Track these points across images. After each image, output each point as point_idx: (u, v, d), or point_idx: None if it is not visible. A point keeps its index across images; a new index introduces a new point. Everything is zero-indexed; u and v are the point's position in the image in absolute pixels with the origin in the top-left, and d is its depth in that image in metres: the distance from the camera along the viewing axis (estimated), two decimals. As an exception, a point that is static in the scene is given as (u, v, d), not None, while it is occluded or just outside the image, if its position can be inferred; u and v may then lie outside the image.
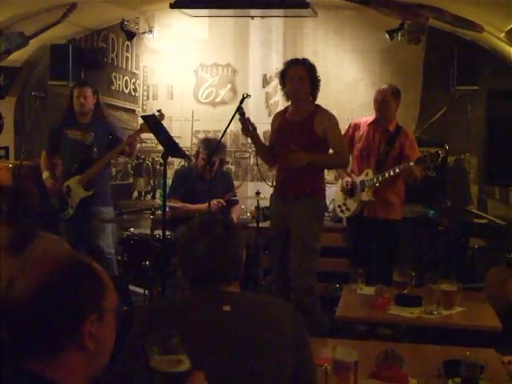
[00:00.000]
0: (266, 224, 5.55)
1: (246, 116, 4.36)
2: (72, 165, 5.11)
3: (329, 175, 6.26)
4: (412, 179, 4.78)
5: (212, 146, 5.11)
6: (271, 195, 4.64)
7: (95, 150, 5.10)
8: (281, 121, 4.51)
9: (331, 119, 4.37)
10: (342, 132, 5.02)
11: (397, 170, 4.67)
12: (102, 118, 5.27)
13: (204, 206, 5.07)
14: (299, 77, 4.31)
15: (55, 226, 5.07)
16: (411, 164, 4.59)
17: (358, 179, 4.90)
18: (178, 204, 5.28)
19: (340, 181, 5.11)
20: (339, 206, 5.09)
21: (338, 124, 4.40)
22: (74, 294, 1.35)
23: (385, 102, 4.86)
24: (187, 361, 1.54)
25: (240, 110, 4.33)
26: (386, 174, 4.71)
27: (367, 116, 5.14)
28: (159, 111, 4.77)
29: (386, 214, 4.84)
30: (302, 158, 4.25)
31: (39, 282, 1.34)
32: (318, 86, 4.39)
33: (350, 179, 4.95)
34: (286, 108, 4.54)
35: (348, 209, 4.99)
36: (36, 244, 3.01)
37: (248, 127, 4.35)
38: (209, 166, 4.82)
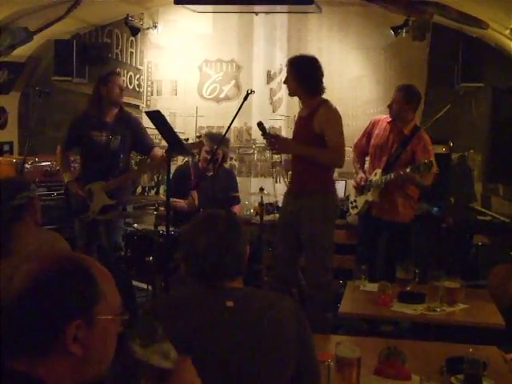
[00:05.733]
0: (269, 220, 5.56)
1: (267, 131, 4.50)
2: (95, 168, 4.93)
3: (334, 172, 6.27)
4: (415, 184, 4.71)
5: (217, 139, 5.12)
6: (285, 192, 4.73)
7: (121, 156, 4.93)
8: (296, 118, 4.66)
9: (330, 115, 4.34)
10: (363, 127, 5.14)
11: (392, 177, 4.66)
12: (127, 117, 5.08)
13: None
14: (286, 75, 4.46)
15: (71, 223, 5.06)
16: (407, 171, 4.56)
17: (369, 178, 4.91)
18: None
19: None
20: (351, 202, 5.15)
21: (337, 120, 4.36)
22: (58, 296, 1.30)
23: (395, 102, 4.81)
24: (173, 352, 1.45)
25: (260, 126, 4.44)
26: (388, 177, 4.69)
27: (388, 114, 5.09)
28: (199, 137, 4.56)
29: (392, 216, 4.80)
30: (287, 146, 4.48)
31: (27, 281, 1.30)
32: (310, 82, 4.35)
33: (363, 176, 4.95)
34: None
35: (356, 206, 5.02)
36: (28, 238, 2.99)
37: (273, 143, 4.43)
38: (213, 159, 4.82)
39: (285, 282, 4.42)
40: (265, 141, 4.59)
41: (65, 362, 1.31)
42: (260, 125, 4.44)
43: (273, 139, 4.45)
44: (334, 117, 4.35)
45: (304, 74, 4.33)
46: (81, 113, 5.14)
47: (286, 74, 4.49)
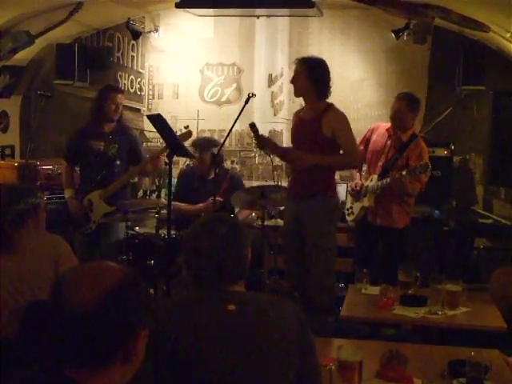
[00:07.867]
0: (271, 224, 5.54)
1: (260, 133, 4.48)
2: (93, 176, 4.97)
3: (335, 175, 6.27)
4: (404, 192, 4.73)
5: (201, 145, 5.27)
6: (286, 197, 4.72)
7: (118, 163, 5.00)
8: (295, 120, 4.62)
9: (340, 119, 4.35)
10: (364, 130, 5.13)
11: (387, 181, 4.66)
12: (125, 128, 5.21)
13: (198, 206, 5.25)
14: (294, 74, 4.42)
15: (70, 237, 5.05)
16: (403, 173, 4.56)
17: (365, 183, 4.91)
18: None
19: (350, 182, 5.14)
20: (347, 209, 5.13)
21: (347, 124, 4.38)
22: (136, 307, 1.35)
23: (398, 112, 4.80)
24: None
25: (253, 127, 4.42)
26: (384, 182, 4.70)
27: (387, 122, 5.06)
28: (186, 127, 4.59)
29: (387, 221, 4.81)
30: (303, 160, 4.36)
31: (104, 292, 1.31)
32: (321, 84, 4.35)
33: (358, 181, 4.95)
34: (303, 107, 4.57)
35: (353, 212, 5.02)
36: (31, 241, 3.01)
37: (261, 144, 4.44)
38: (199, 163, 4.88)
39: (295, 284, 4.44)
40: (255, 141, 4.59)
41: (118, 372, 1.33)
42: (253, 126, 4.42)
43: (264, 142, 4.50)
44: (344, 121, 4.37)
45: (318, 75, 4.33)
46: (78, 127, 5.22)
47: (292, 74, 4.45)
